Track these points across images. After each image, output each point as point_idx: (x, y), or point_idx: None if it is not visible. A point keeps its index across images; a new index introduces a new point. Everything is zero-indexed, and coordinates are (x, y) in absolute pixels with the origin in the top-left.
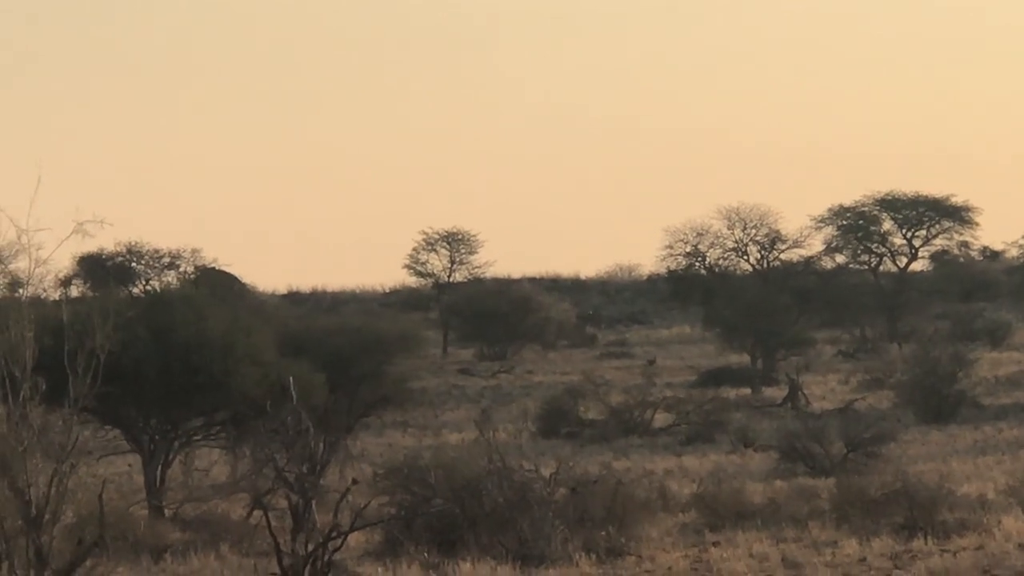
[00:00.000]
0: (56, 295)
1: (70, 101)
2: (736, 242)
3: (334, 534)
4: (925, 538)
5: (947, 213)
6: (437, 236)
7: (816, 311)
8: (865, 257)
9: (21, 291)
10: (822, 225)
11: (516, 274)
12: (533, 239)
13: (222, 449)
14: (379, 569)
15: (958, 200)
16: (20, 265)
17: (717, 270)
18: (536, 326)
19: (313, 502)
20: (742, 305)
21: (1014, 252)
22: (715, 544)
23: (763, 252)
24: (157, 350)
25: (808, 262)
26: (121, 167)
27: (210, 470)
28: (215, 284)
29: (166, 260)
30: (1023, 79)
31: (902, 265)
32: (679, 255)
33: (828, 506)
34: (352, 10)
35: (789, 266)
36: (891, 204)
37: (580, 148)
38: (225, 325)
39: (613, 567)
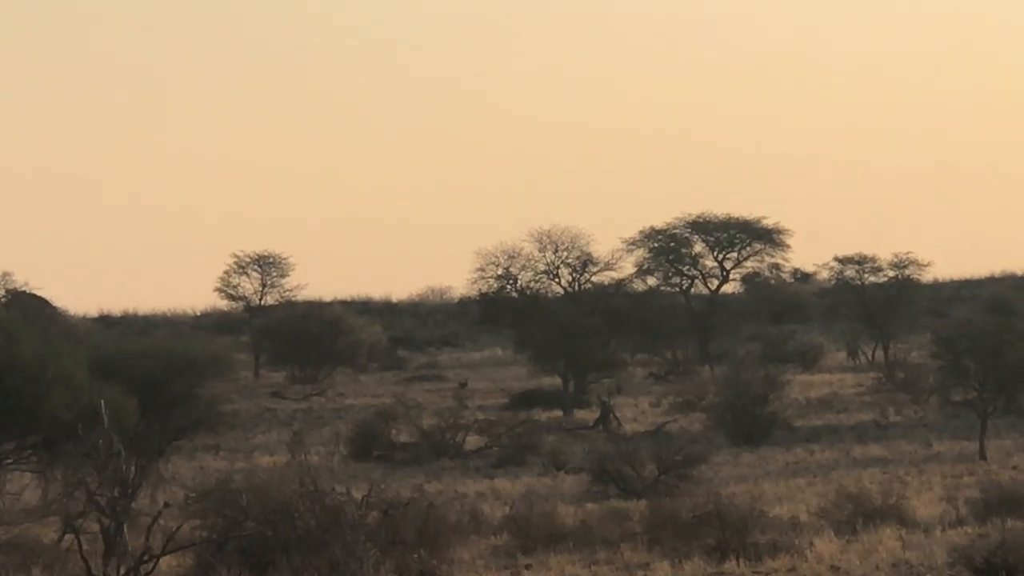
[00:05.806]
0: None
1: None
2: (547, 265)
3: (146, 557)
4: (737, 560)
5: (758, 235)
6: (248, 259)
7: (628, 334)
8: (676, 279)
9: None
10: (633, 248)
11: (328, 296)
12: (344, 262)
13: (33, 472)
14: None
15: (769, 222)
16: None
17: (528, 293)
18: (347, 349)
19: (125, 526)
20: (554, 328)
21: (825, 274)
22: (527, 567)
23: (574, 275)
24: None
25: (619, 285)
26: None
27: (21, 494)
28: (27, 308)
29: None
30: (834, 101)
31: (713, 287)
32: (490, 278)
33: (640, 528)
34: (154, 18)
35: (600, 288)
36: (702, 226)
37: (390, 170)
38: (37, 348)
39: None
